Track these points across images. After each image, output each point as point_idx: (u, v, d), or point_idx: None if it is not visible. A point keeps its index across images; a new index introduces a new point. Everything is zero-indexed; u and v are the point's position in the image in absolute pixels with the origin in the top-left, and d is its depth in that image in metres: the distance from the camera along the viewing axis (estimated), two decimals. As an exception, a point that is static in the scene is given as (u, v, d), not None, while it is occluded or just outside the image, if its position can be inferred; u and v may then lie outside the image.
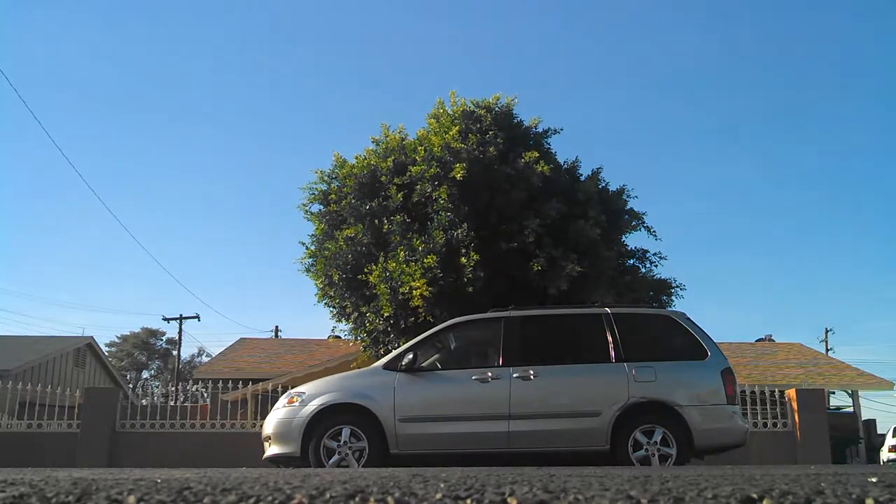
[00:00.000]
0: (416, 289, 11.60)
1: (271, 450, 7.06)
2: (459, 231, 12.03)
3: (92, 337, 30.48)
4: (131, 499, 1.85)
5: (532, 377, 7.02)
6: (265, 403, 12.91)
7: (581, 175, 14.42)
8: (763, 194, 73.86)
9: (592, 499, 1.89)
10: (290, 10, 71.67)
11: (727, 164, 70.67)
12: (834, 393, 22.79)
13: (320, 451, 6.77)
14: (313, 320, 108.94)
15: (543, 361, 7.21)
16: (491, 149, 12.64)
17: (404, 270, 11.85)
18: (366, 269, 12.57)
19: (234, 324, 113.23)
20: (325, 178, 14.44)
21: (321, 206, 14.43)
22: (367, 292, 12.82)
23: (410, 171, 12.88)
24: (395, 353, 7.48)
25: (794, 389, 11.66)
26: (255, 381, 15.50)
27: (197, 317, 37.72)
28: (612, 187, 14.53)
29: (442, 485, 2.35)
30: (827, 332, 39.55)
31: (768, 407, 11.45)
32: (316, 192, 14.48)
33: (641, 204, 26.43)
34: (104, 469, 6.44)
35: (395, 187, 12.95)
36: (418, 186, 12.68)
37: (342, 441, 6.80)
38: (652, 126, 73.73)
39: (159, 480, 2.66)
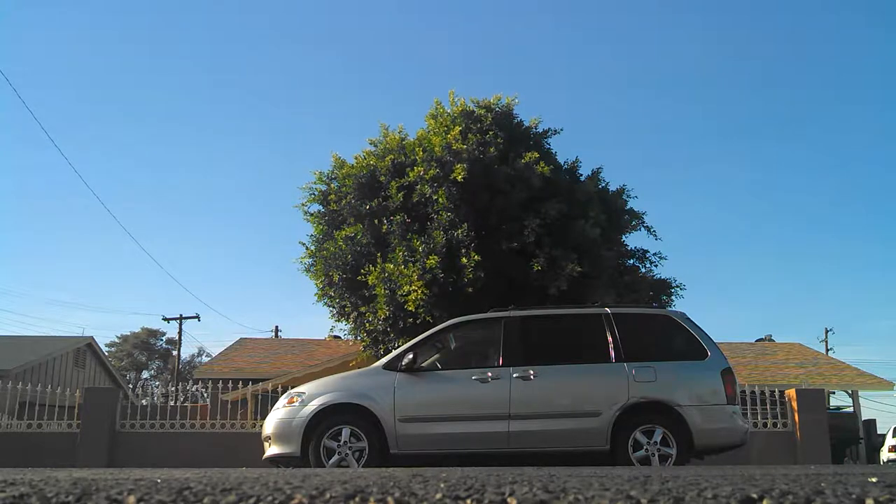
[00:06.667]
0: (413, 291, 11.61)
1: (271, 450, 7.06)
2: (459, 231, 12.02)
3: (92, 337, 30.52)
4: (131, 499, 1.85)
5: (532, 377, 7.02)
6: (265, 403, 12.91)
7: (581, 175, 14.44)
8: (763, 194, 73.93)
9: (592, 499, 1.88)
10: (289, 9, 71.70)
11: (727, 165, 70.73)
12: (834, 393, 22.78)
13: (320, 451, 6.77)
14: (313, 320, 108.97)
15: (543, 361, 7.20)
16: (491, 149, 12.64)
17: (402, 272, 11.85)
18: (363, 270, 12.57)
19: (234, 324, 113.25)
20: (324, 178, 14.44)
21: (320, 207, 14.44)
22: (366, 292, 12.82)
23: (409, 172, 12.88)
24: (395, 353, 7.49)
25: (794, 389, 11.66)
26: (255, 381, 15.50)
27: (197, 317, 37.76)
28: (612, 187, 14.55)
29: (442, 485, 2.35)
30: (827, 332, 39.59)
31: (768, 407, 11.44)
32: (315, 193, 14.49)
33: (641, 204, 26.45)
34: (104, 469, 6.44)
35: (394, 187, 12.95)
36: (418, 187, 12.68)
37: (342, 441, 6.80)
38: (652, 126, 73.78)
39: (159, 480, 2.66)
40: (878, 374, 24.16)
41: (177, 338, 39.50)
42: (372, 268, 12.37)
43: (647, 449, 6.75)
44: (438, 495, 1.93)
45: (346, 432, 6.83)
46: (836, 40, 66.49)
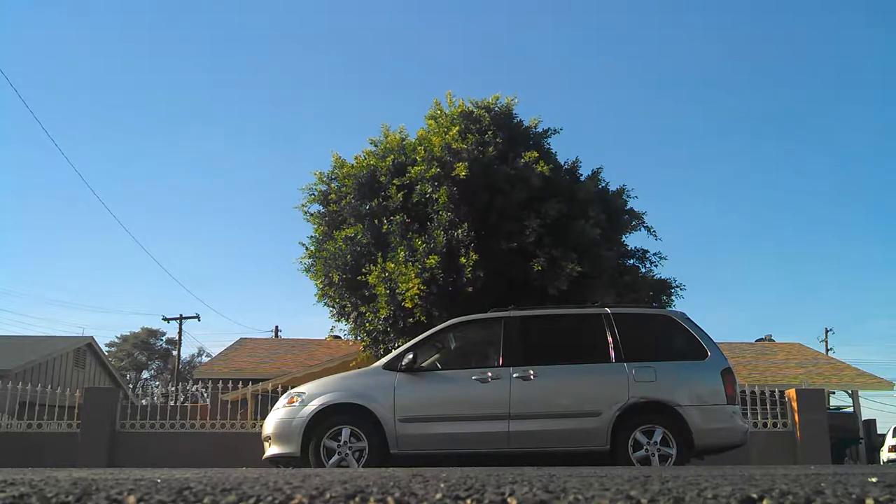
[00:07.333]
0: (409, 289, 11.60)
1: (271, 450, 7.06)
2: (459, 231, 12.02)
3: (92, 337, 30.52)
4: (131, 499, 1.85)
5: (532, 377, 7.02)
6: (265, 403, 12.91)
7: (581, 175, 14.43)
8: (763, 194, 73.94)
9: (592, 499, 1.88)
10: (289, 9, 71.70)
11: (727, 164, 70.75)
12: (834, 393, 22.78)
13: (320, 451, 6.77)
14: (313, 320, 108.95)
15: (543, 361, 7.20)
16: (490, 149, 12.63)
17: (402, 271, 11.85)
18: (364, 270, 12.56)
19: (234, 324, 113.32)
20: (325, 178, 14.43)
21: (320, 207, 14.43)
22: (366, 292, 12.82)
23: (410, 171, 12.88)
24: (395, 353, 7.48)
25: (794, 389, 11.65)
26: (255, 381, 15.49)
27: (197, 317, 37.75)
28: (612, 187, 14.54)
29: (442, 485, 2.35)
30: (827, 332, 39.57)
31: (768, 407, 11.44)
32: (315, 193, 14.47)
33: (641, 204, 26.40)
34: (104, 469, 6.44)
35: (394, 187, 12.95)
36: (418, 186, 12.67)
37: (342, 441, 6.80)
38: (652, 126, 73.81)
39: (159, 480, 2.66)
40: (878, 374, 24.18)
41: (177, 338, 39.53)
42: (372, 267, 12.37)
43: (647, 449, 6.75)
44: (438, 495, 1.93)
45: (346, 432, 6.83)
46: (836, 40, 66.54)
